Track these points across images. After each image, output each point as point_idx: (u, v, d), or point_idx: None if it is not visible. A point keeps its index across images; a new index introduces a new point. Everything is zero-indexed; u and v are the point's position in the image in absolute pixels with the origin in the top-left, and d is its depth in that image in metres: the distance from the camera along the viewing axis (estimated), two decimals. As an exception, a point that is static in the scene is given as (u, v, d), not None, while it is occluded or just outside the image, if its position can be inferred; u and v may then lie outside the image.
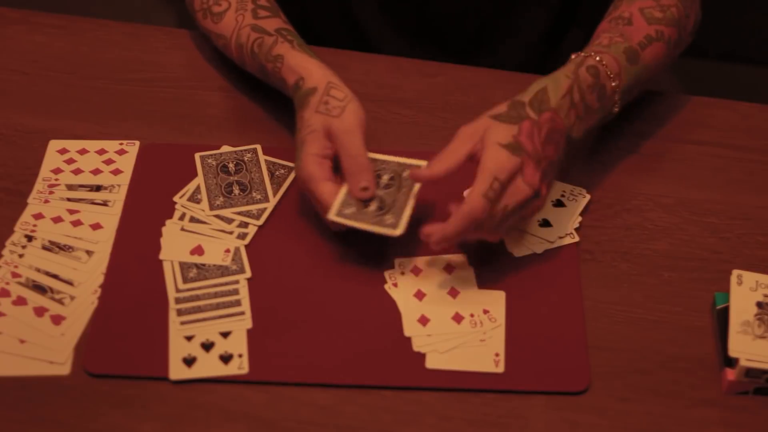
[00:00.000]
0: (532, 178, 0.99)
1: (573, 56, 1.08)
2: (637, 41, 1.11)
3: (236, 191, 1.09)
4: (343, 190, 1.01)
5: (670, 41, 1.14)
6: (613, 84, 1.08)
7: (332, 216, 1.00)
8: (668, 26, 1.14)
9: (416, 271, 1.03)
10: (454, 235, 0.98)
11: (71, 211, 1.07)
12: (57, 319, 0.99)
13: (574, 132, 1.06)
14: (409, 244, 1.04)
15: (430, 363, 0.97)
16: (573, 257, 1.05)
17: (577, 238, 1.06)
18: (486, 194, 0.97)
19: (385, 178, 1.03)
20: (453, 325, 0.99)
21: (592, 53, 1.08)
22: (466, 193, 1.08)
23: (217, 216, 1.07)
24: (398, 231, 0.98)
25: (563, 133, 1.04)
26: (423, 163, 1.02)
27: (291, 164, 1.11)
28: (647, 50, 1.12)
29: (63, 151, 1.13)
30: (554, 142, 1.03)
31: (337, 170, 1.04)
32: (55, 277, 1.02)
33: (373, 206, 1.01)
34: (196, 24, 1.21)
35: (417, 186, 1.01)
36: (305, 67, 1.09)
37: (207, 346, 0.97)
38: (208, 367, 0.96)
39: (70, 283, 1.02)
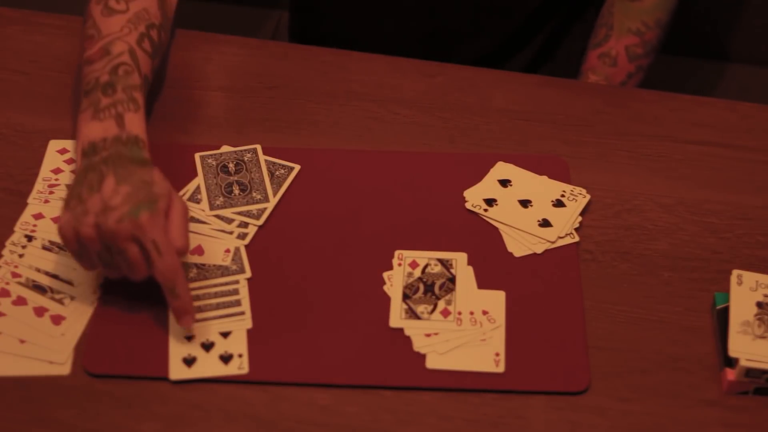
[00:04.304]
0: None
1: None
2: (619, 80, 1.27)
3: (236, 191, 1.09)
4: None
5: (648, 66, 1.29)
6: None
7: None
8: (647, 57, 1.28)
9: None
10: None
11: (71, 211, 1.07)
12: (57, 319, 0.99)
13: None
14: (408, 242, 1.04)
15: (430, 363, 0.97)
16: (573, 257, 1.05)
17: (577, 238, 1.06)
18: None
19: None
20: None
21: None
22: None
23: (217, 216, 1.07)
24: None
25: None
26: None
27: (291, 164, 1.11)
28: (627, 85, 1.28)
29: (63, 151, 1.13)
30: None
31: None
32: (55, 277, 1.02)
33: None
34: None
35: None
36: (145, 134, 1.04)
37: (207, 346, 0.97)
38: (208, 367, 0.96)
39: (70, 283, 1.02)
